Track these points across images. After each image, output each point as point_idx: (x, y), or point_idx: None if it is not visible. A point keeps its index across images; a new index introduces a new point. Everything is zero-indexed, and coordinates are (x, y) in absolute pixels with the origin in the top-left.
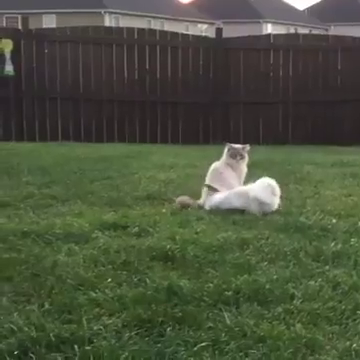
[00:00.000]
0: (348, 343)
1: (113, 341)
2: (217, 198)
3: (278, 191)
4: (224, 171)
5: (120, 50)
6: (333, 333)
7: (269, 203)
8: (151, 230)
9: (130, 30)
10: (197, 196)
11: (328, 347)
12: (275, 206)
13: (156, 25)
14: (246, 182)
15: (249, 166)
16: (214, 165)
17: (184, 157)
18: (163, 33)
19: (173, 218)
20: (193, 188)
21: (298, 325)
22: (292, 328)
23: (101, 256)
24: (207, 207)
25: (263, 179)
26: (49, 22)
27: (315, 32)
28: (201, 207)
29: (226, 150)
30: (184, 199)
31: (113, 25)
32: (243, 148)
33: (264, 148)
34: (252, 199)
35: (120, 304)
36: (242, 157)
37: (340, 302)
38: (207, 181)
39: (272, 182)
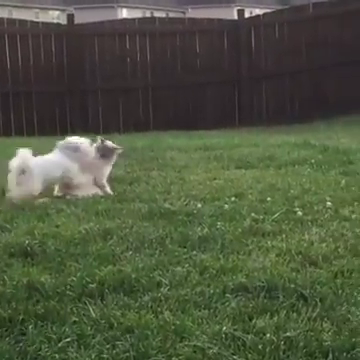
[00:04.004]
0: (218, 327)
1: None
2: None
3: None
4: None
5: None
6: (202, 318)
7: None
8: (8, 226)
9: None
10: None
11: (198, 332)
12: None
13: (3, 13)
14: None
15: None
16: None
17: (41, 149)
18: (11, 21)
19: (31, 212)
20: None
21: (166, 312)
22: (160, 316)
23: None
24: None
25: None
26: None
27: (172, 15)
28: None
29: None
30: None
31: None
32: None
33: (125, 136)
34: None
35: None
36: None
37: (208, 286)
38: None
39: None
